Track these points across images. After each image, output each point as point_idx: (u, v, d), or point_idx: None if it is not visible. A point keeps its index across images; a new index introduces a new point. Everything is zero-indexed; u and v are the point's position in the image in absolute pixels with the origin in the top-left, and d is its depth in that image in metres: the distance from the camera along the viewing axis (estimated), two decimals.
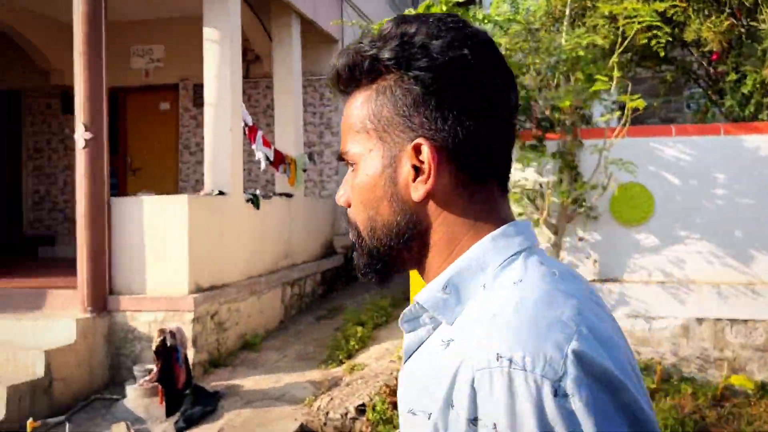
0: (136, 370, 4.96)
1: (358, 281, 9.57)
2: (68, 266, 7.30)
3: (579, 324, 0.64)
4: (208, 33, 6.06)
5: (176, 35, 9.41)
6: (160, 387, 4.70)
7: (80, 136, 5.25)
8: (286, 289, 7.04)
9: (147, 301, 5.27)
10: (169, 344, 4.70)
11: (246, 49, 9.11)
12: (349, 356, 5.55)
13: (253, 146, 6.53)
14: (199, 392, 4.89)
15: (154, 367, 4.87)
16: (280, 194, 7.20)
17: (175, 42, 9.42)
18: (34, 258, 9.31)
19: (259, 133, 6.57)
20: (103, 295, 5.31)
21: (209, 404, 4.80)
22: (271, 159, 6.79)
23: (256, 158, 6.67)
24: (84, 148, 5.25)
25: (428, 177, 0.73)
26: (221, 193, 5.86)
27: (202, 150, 9.43)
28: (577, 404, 0.60)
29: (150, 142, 9.76)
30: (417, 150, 0.74)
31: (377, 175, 0.77)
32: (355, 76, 0.78)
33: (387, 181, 0.76)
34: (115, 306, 5.33)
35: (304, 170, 7.77)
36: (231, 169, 6.03)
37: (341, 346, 5.61)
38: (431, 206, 0.75)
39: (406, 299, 7.21)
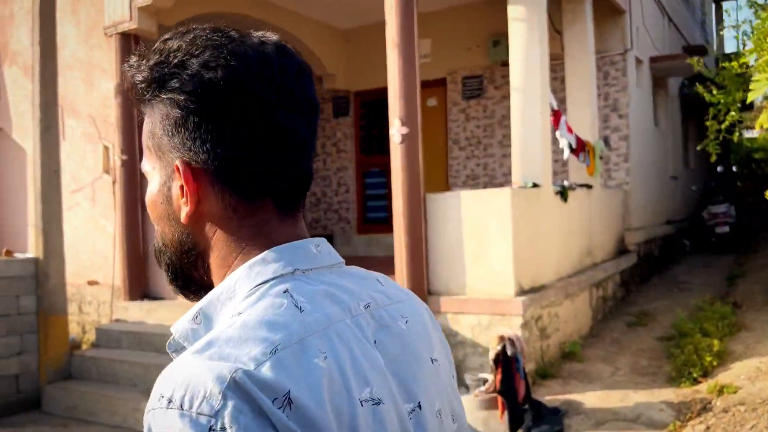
0: (468, 378, 4.59)
1: (650, 282, 8.49)
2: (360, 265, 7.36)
3: (259, 361, 0.61)
4: (513, 11, 5.54)
5: (442, 28, 9.16)
6: (501, 399, 4.25)
7: (396, 131, 5.04)
8: (592, 291, 6.30)
9: (470, 303, 4.89)
10: (509, 353, 4.24)
11: None
12: (704, 374, 4.64)
13: (557, 133, 5.89)
14: (538, 407, 4.36)
15: (489, 377, 4.45)
16: (581, 185, 6.47)
17: (441, 35, 9.17)
18: None
19: (563, 118, 5.91)
20: (422, 295, 5.04)
21: (554, 423, 4.24)
22: (574, 146, 6.10)
23: (560, 146, 6.02)
24: (401, 143, 5.03)
25: (187, 200, 0.72)
26: (535, 185, 5.31)
27: (471, 145, 9.11)
28: None
29: None
30: (178, 171, 0.72)
31: (156, 192, 0.77)
32: (135, 94, 0.75)
33: (164, 200, 0.76)
34: (435, 307, 5.03)
35: (601, 157, 6.95)
36: (542, 159, 5.45)
37: (693, 362, 4.72)
38: (205, 227, 0.74)
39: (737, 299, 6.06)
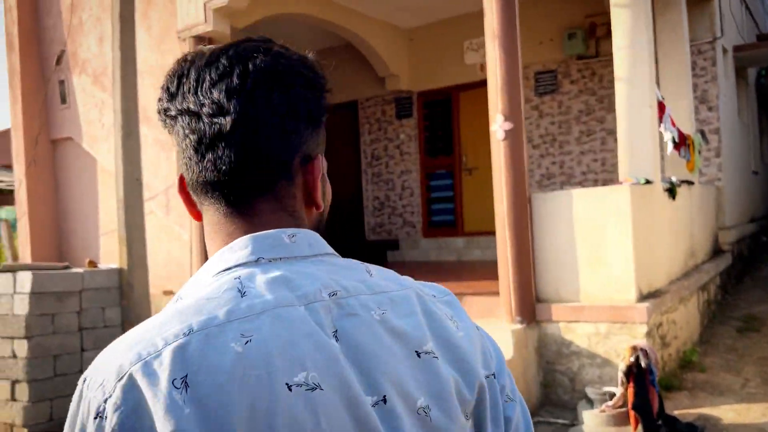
0: (592, 392, 4.24)
1: (743, 284, 8.00)
2: (440, 270, 7.06)
3: (168, 342, 0.64)
4: None
5: None
6: (634, 414, 3.89)
7: (499, 126, 4.73)
8: (699, 295, 5.88)
9: (586, 310, 4.54)
10: (643, 364, 3.88)
11: (593, 25, 8.17)
12: None
13: (660, 126, 5.50)
14: (674, 423, 3.99)
15: (616, 391, 4.10)
16: (683, 182, 6.07)
17: None
18: (384, 262, 9.41)
19: (668, 110, 5.52)
20: (530, 303, 4.72)
21: None
22: (677, 140, 5.70)
23: (664, 140, 5.63)
24: (504, 139, 4.72)
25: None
26: (648, 182, 4.94)
27: (546, 142, 8.73)
28: (108, 428, 0.61)
29: (485, 140, 9.29)
30: None
31: None
32: None
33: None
34: (545, 315, 4.70)
35: (699, 152, 6.53)
36: (652, 154, 5.08)
37: None
38: (204, 226, 0.81)
39: None
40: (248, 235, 0.74)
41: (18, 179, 8.04)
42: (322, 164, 0.80)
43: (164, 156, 6.98)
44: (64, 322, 5.06)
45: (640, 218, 4.61)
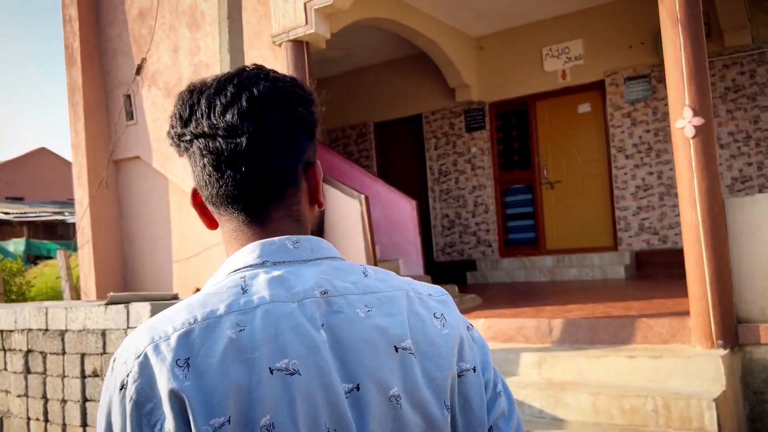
0: None
1: None
2: (583, 290, 6.40)
3: (176, 329, 0.77)
4: None
5: (595, 27, 8.34)
6: None
7: (688, 122, 4.16)
8: None
9: None
10: None
11: None
12: None
13: None
14: None
15: None
16: None
17: (594, 34, 8.36)
18: (464, 283, 8.78)
19: None
20: (731, 324, 4.11)
21: None
22: None
23: None
24: (694, 137, 4.15)
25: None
26: None
27: (640, 152, 8.19)
28: (128, 396, 0.75)
29: (568, 151, 8.78)
30: None
31: None
32: None
33: None
34: (751, 337, 4.09)
35: None
36: None
37: None
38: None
39: None
40: (257, 241, 0.86)
41: (79, 203, 7.38)
42: (319, 169, 0.93)
43: None
44: None
45: None
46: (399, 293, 0.86)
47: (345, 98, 10.18)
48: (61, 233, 27.19)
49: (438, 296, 0.91)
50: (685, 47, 4.18)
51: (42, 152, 34.93)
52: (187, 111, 0.87)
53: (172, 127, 0.88)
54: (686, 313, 4.53)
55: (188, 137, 0.86)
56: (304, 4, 5.77)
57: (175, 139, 0.88)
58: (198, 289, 5.23)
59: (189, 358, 0.74)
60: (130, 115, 7.28)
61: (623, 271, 7.83)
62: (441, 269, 9.30)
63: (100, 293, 7.18)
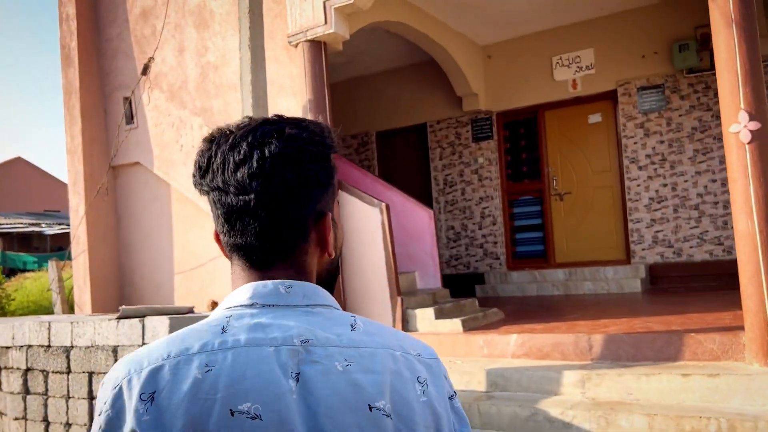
0: None
1: None
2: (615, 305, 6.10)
3: (151, 364, 0.80)
4: None
5: (607, 35, 8.20)
6: None
7: (744, 126, 3.96)
8: None
9: None
10: None
11: (705, 35, 7.57)
12: None
13: None
14: None
15: None
16: None
17: (607, 43, 8.21)
18: (474, 297, 8.48)
19: None
20: None
21: None
22: None
23: None
24: (750, 142, 3.94)
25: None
26: None
27: (654, 163, 8.02)
28: (98, 424, 0.80)
29: (578, 162, 8.59)
30: None
31: None
32: None
33: None
34: None
35: None
36: None
37: None
38: None
39: None
40: (252, 283, 0.88)
41: (75, 211, 6.98)
42: (335, 213, 0.96)
43: None
44: None
45: None
46: (383, 351, 0.85)
47: (346, 106, 9.91)
48: (37, 245, 26.40)
49: (427, 357, 0.89)
50: (740, 48, 3.99)
51: (17, 162, 34.06)
52: (205, 162, 0.91)
53: (194, 175, 0.93)
54: (737, 327, 4.31)
55: (205, 188, 0.91)
56: (324, 3, 5.51)
57: (196, 187, 0.93)
58: (215, 303, 4.88)
59: (154, 393, 0.77)
60: (130, 119, 6.92)
61: (639, 284, 7.63)
62: (447, 282, 9.02)
63: (96, 307, 6.77)
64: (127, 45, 6.95)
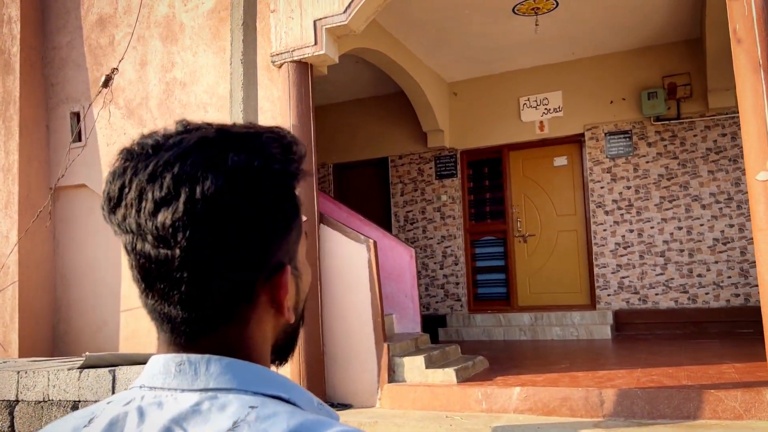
0: None
1: None
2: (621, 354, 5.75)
3: None
4: None
5: (575, 79, 8.22)
6: None
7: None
8: None
9: None
10: None
11: (673, 85, 7.71)
12: None
13: None
14: None
15: None
16: None
17: (575, 87, 8.23)
18: (437, 341, 8.12)
19: None
20: None
21: None
22: None
23: None
24: None
25: None
26: None
27: (621, 208, 8.02)
28: None
29: (542, 204, 8.49)
30: None
31: None
32: None
33: None
34: None
35: None
36: None
37: None
38: None
39: None
40: (154, 356, 0.70)
41: (5, 237, 6.14)
42: (300, 256, 0.74)
43: None
44: None
45: None
46: None
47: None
48: None
49: None
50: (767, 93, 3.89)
51: None
52: (116, 192, 0.66)
53: (102, 206, 0.68)
54: (759, 383, 4.13)
55: (115, 228, 0.67)
56: (314, 22, 5.11)
57: (105, 220, 0.69)
58: None
59: None
60: (77, 136, 6.21)
61: (609, 331, 7.50)
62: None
63: (24, 349, 5.91)
64: (78, 54, 6.27)
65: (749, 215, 7.35)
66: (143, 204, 0.64)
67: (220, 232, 0.64)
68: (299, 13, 5.16)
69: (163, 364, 0.68)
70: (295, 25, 5.18)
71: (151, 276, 0.66)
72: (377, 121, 9.26)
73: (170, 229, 0.63)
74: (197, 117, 5.63)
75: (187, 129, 0.68)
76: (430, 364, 5.04)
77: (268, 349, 0.72)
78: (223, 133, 0.67)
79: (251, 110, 4.19)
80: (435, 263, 8.88)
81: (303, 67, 5.19)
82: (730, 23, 4.08)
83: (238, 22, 4.25)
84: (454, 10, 6.65)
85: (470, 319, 8.40)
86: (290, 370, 4.85)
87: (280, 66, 5.26)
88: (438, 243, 8.88)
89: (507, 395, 4.51)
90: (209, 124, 0.69)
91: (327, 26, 5.10)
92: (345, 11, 5.00)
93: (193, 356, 0.67)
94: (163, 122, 5.83)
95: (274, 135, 0.69)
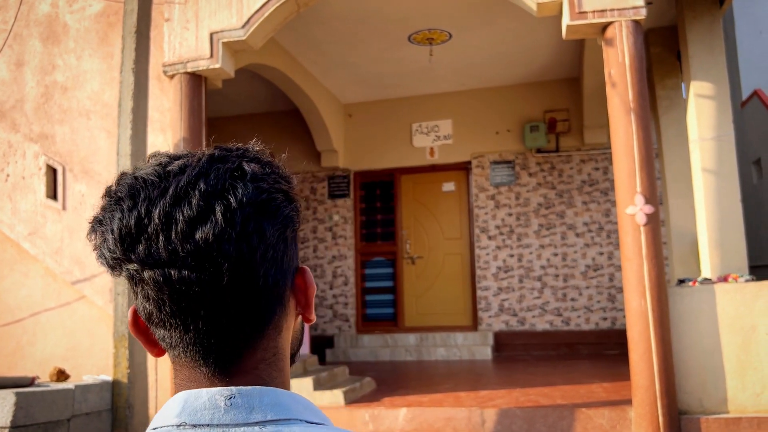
0: None
1: None
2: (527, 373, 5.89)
3: None
4: (697, 87, 5.09)
5: (465, 110, 8.58)
6: None
7: (639, 210, 4.18)
8: None
9: (744, 423, 4.00)
10: None
11: (553, 120, 8.24)
12: None
13: None
14: None
15: None
16: None
17: (464, 117, 8.58)
18: (324, 361, 8.07)
19: None
20: (675, 416, 4.07)
21: None
22: None
23: None
24: (645, 224, 4.16)
25: None
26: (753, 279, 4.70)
27: (503, 234, 8.40)
28: None
29: (430, 228, 8.73)
30: None
31: None
32: None
33: None
34: (692, 430, 4.07)
35: None
36: (744, 249, 4.90)
37: None
38: None
39: None
40: (184, 392, 0.64)
41: None
42: (309, 274, 0.72)
43: None
44: None
45: None
46: None
47: None
48: None
49: None
50: (638, 135, 4.25)
51: None
52: (134, 225, 0.62)
53: (111, 248, 0.63)
54: (623, 402, 4.44)
55: (135, 266, 0.63)
56: (211, 35, 4.99)
57: (113, 265, 0.64)
58: (61, 372, 3.97)
59: None
60: None
61: (489, 352, 7.79)
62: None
63: None
64: None
65: (617, 244, 7.95)
66: (175, 228, 0.61)
67: (261, 238, 0.64)
68: (195, 24, 5.03)
69: (208, 398, 0.63)
70: (190, 36, 5.04)
71: (194, 303, 0.62)
72: (271, 137, 9.14)
73: (214, 244, 0.61)
74: (79, 124, 5.33)
75: (175, 156, 0.67)
76: (318, 386, 5.00)
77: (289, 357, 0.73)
78: (222, 149, 0.68)
79: (140, 120, 4.01)
80: (325, 283, 8.86)
81: (197, 79, 5.05)
82: (606, 68, 4.43)
83: (130, 29, 4.07)
84: (353, 35, 6.75)
85: (358, 340, 8.43)
86: None
87: (172, 77, 5.08)
88: (328, 263, 8.88)
89: (394, 416, 4.56)
90: (190, 151, 0.69)
91: (224, 40, 5.00)
92: (243, 26, 4.93)
93: (244, 389, 0.64)
94: (41, 128, 5.46)
95: (251, 148, 0.72)
